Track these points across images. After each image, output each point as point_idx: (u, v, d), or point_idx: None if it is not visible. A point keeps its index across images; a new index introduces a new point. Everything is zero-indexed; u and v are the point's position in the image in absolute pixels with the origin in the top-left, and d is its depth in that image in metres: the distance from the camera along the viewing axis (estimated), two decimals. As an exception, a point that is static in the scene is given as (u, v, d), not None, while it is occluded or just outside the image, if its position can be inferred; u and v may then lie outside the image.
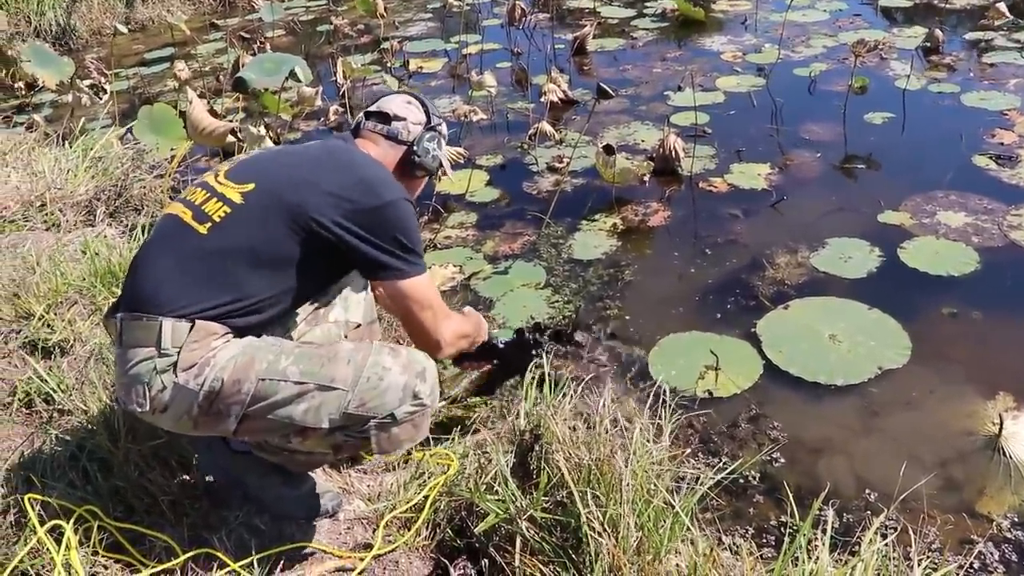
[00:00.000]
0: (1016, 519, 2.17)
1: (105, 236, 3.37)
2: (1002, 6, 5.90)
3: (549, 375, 2.31)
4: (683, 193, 4.08)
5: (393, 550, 1.97)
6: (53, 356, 2.59)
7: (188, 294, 1.70)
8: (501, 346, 2.45)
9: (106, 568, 1.84)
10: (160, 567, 1.84)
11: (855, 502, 2.26)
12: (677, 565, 1.74)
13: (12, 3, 7.70)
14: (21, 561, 1.81)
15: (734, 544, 1.96)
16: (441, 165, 2.11)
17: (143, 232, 3.31)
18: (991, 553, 2.08)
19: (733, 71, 5.55)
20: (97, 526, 1.89)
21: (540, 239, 3.75)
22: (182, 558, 1.86)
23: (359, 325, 2.10)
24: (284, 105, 4.96)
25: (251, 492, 2.00)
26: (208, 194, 1.81)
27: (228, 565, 1.86)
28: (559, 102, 5.17)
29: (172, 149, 4.38)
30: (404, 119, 2.03)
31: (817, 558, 1.72)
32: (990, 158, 4.02)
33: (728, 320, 3.07)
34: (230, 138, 4.48)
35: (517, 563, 1.79)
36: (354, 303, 2.07)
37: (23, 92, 6.51)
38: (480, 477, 2.06)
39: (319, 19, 8.11)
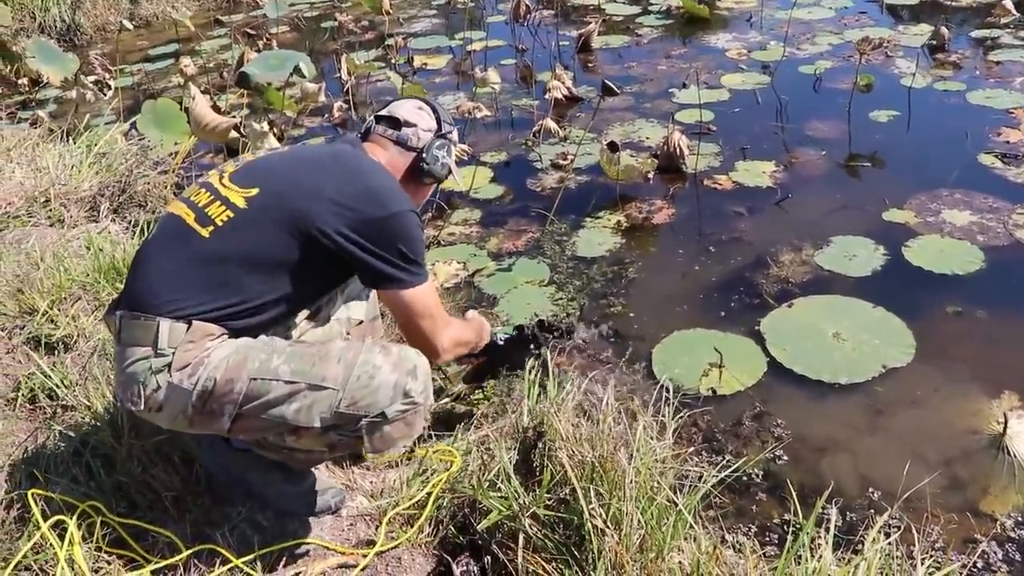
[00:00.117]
0: (1020, 518, 2.16)
1: (109, 232, 3.38)
2: (1009, 3, 5.86)
3: (552, 372, 2.31)
4: (687, 191, 4.07)
5: (396, 547, 1.98)
6: (57, 352, 2.60)
7: (187, 296, 1.70)
8: (501, 343, 2.45)
9: (109, 564, 1.85)
10: (163, 563, 1.85)
11: (858, 501, 2.26)
12: (680, 563, 1.74)
13: (17, -1, 7.72)
14: (24, 556, 1.81)
15: (737, 542, 1.96)
16: (450, 172, 2.10)
17: (146, 228, 3.31)
18: (995, 552, 2.08)
19: (738, 68, 5.54)
20: (100, 522, 1.89)
21: (544, 236, 3.75)
22: (185, 554, 1.86)
23: (361, 322, 2.10)
24: (288, 101, 4.96)
25: (253, 489, 2.00)
26: (211, 196, 1.81)
27: (231, 561, 1.86)
28: (563, 99, 5.16)
29: (176, 143, 4.38)
30: (415, 125, 2.02)
31: (820, 557, 1.72)
32: (996, 156, 4.00)
33: (732, 318, 3.07)
34: (233, 134, 4.48)
35: (520, 560, 1.79)
36: (356, 300, 2.07)
37: (27, 88, 6.52)
38: (483, 474, 2.06)
39: (323, 15, 8.11)
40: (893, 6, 6.55)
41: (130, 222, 3.57)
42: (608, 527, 1.73)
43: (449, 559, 1.94)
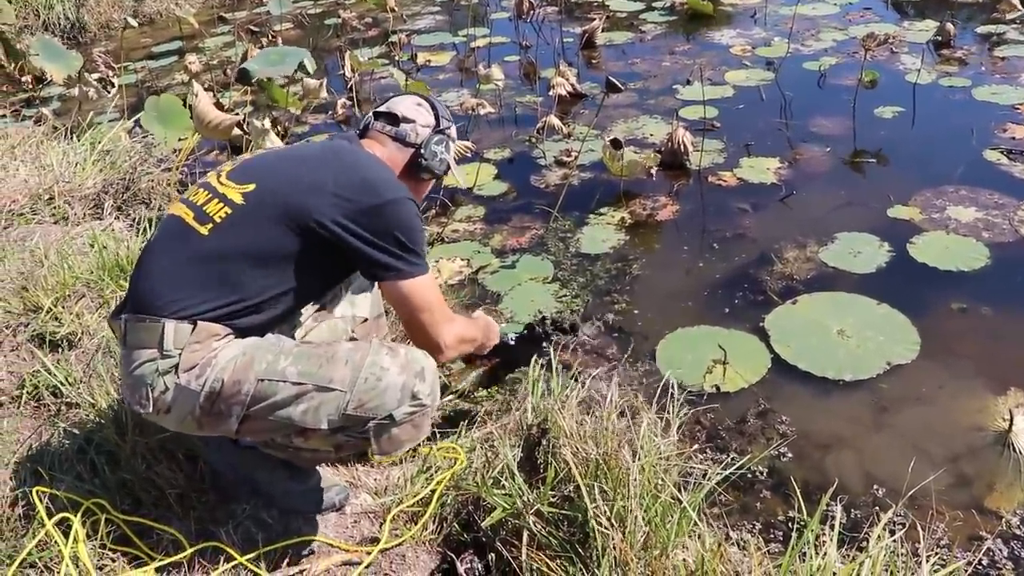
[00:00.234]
0: (1026, 516, 2.16)
1: (113, 229, 3.38)
2: (1014, -1, 5.85)
3: (556, 369, 2.31)
4: (691, 187, 4.06)
5: (400, 544, 1.98)
6: (61, 349, 2.60)
7: (190, 295, 1.69)
8: (512, 343, 2.44)
9: (114, 561, 1.85)
10: (167, 560, 1.85)
11: (863, 498, 2.25)
12: (684, 560, 1.74)
13: (21, -3, 7.73)
14: (29, 554, 1.82)
15: (741, 539, 1.96)
16: (449, 168, 2.09)
17: (150, 226, 3.31)
18: (1000, 549, 2.07)
19: (742, 65, 5.52)
20: (105, 519, 1.90)
21: (548, 233, 3.75)
22: (189, 551, 1.87)
23: (366, 320, 2.10)
24: (292, 98, 4.96)
25: (260, 487, 2.00)
26: (209, 195, 1.81)
27: (235, 558, 1.86)
28: (567, 96, 5.16)
29: (180, 139, 4.38)
30: (413, 121, 2.01)
31: (825, 554, 1.71)
32: (1001, 153, 3.99)
33: (736, 314, 3.06)
34: (236, 131, 4.48)
35: (524, 557, 1.79)
36: (360, 297, 2.07)
37: (31, 86, 6.53)
38: (487, 471, 2.06)
39: (327, 12, 8.10)
40: (898, 2, 6.53)
41: (134, 219, 3.57)
42: (612, 524, 1.72)
43: (453, 556, 1.94)
